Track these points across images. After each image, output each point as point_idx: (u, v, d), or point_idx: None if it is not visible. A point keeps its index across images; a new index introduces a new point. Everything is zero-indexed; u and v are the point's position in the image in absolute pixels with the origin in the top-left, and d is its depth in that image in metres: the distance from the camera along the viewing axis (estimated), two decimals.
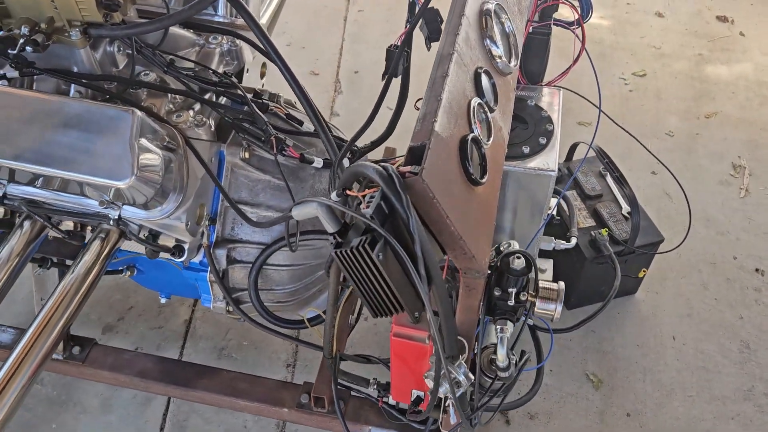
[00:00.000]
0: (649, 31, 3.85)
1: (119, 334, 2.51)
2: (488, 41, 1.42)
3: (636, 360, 2.39)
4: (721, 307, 2.54)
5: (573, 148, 2.57)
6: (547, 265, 2.19)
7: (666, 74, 3.58)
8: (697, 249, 2.73)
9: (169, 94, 1.62)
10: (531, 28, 1.93)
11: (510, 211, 1.93)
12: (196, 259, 1.75)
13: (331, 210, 1.10)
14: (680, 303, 2.57)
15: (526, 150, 1.82)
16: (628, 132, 2.34)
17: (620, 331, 2.48)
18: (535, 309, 1.26)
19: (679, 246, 2.36)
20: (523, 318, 1.26)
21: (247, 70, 1.90)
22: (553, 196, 2.27)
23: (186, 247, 1.66)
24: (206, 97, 1.66)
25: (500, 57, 1.44)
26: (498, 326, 1.23)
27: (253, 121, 1.64)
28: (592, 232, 2.31)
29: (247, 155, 1.70)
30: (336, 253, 1.05)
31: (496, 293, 1.23)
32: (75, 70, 1.54)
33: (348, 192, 1.07)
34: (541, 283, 1.28)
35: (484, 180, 1.23)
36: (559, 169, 2.49)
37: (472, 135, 1.22)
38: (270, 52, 1.48)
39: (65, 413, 2.30)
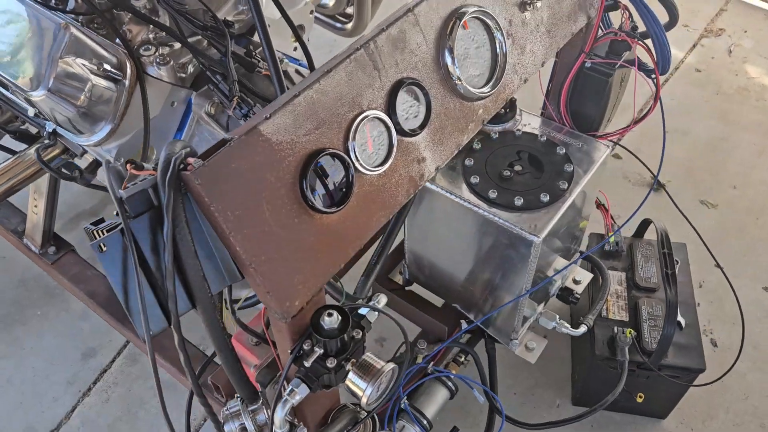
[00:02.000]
0: None
1: None
2: (447, 53, 1.14)
3: None
4: None
5: (644, 225, 2.12)
6: (537, 344, 1.82)
7: None
8: None
9: (152, 26, 1.54)
10: (588, 62, 1.56)
11: (491, 266, 1.62)
12: None
13: (121, 176, 0.94)
14: None
15: (519, 202, 1.49)
16: (692, 226, 1.87)
17: None
18: (346, 380, 1.00)
19: (714, 382, 1.86)
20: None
21: (268, 25, 1.76)
22: (582, 267, 1.90)
23: None
24: (194, 40, 1.56)
25: (458, 78, 1.15)
26: (290, 386, 1.00)
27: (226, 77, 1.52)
28: (616, 328, 1.89)
29: (213, 110, 1.58)
30: (87, 226, 0.89)
31: (305, 347, 0.99)
32: None
33: (128, 166, 0.90)
34: (366, 356, 1.01)
35: (333, 210, 0.99)
36: (617, 244, 2.10)
37: (330, 151, 0.98)
38: (251, 6, 1.34)
39: (52, 306, 2.41)
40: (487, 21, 1.19)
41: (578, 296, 1.88)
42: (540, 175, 1.57)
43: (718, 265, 2.01)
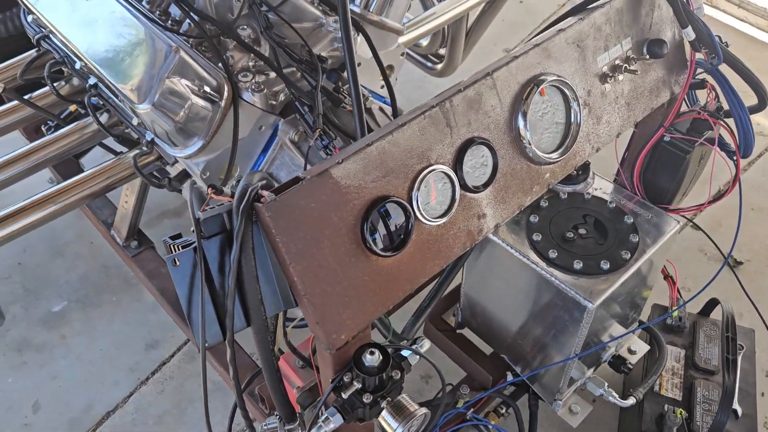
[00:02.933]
0: None
1: None
2: (520, 117, 1.18)
3: None
4: None
5: (712, 304, 2.06)
6: (582, 408, 1.80)
7: None
8: None
9: (252, 54, 1.66)
10: (667, 136, 1.56)
11: (543, 324, 1.63)
12: None
13: (202, 198, 1.03)
14: None
15: (578, 266, 1.50)
16: (759, 314, 1.81)
17: None
18: (380, 417, 1.04)
19: None
20: None
21: (359, 64, 1.85)
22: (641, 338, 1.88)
23: None
24: (288, 71, 1.67)
25: (529, 142, 1.19)
26: (325, 414, 1.05)
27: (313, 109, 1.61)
28: (667, 406, 1.84)
29: (296, 138, 1.68)
30: (165, 239, 0.98)
31: (345, 379, 1.04)
32: (195, 5, 1.67)
33: (209, 190, 0.99)
34: (401, 397, 1.05)
35: (389, 254, 1.04)
36: (680, 319, 2.05)
37: (394, 199, 1.03)
38: (344, 46, 1.43)
39: (127, 295, 2.57)
40: (565, 90, 1.23)
41: (630, 366, 1.85)
42: (604, 241, 1.58)
43: None
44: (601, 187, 1.71)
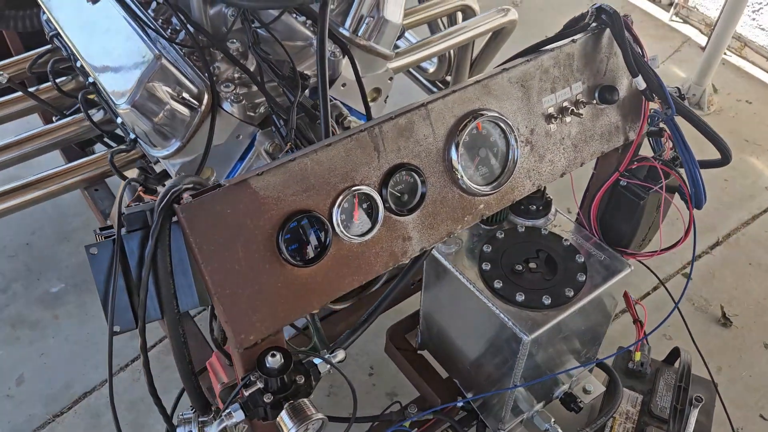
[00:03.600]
0: None
1: None
2: (453, 148, 1.23)
3: None
4: None
5: (675, 353, 2.06)
6: None
7: None
8: None
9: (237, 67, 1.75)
10: (624, 181, 1.59)
11: (486, 353, 1.67)
12: None
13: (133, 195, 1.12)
14: None
15: (520, 298, 1.53)
16: (708, 370, 1.80)
17: None
18: (278, 417, 1.10)
19: None
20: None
21: (344, 84, 1.93)
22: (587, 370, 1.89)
23: None
24: (270, 86, 1.75)
25: (461, 173, 1.24)
26: (230, 408, 1.11)
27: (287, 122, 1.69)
28: None
29: (271, 149, 1.76)
30: (95, 230, 1.07)
31: (252, 378, 1.11)
32: (192, 16, 1.78)
33: (140, 189, 1.07)
34: (302, 400, 1.11)
35: (302, 264, 1.11)
36: (642, 364, 2.05)
37: (313, 214, 1.10)
38: (318, 65, 1.51)
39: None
40: (502, 126, 1.28)
41: (581, 405, 1.86)
42: (552, 277, 1.60)
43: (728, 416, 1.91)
44: (560, 224, 1.74)
